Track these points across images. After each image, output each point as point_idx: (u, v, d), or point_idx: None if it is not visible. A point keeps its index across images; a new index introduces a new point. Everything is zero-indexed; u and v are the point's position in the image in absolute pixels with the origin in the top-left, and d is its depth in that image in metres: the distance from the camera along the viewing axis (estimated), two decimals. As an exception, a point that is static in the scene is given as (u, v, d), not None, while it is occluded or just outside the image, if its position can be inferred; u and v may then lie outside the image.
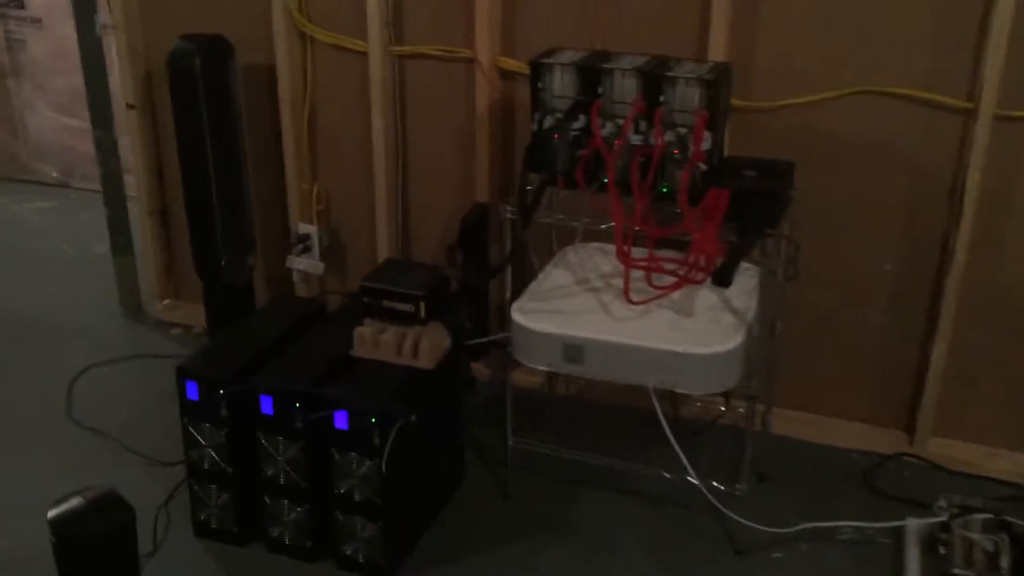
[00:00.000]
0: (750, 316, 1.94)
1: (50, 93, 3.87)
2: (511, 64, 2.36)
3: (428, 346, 1.95)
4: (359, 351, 1.98)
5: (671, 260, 1.92)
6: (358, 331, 1.98)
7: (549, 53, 2.00)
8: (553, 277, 2.14)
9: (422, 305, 1.95)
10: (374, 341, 1.97)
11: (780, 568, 2.00)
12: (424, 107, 2.51)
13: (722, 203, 1.82)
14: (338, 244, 2.72)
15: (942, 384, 2.25)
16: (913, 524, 2.01)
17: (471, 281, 2.17)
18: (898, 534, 2.04)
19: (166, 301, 2.97)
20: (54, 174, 3.98)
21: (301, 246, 2.66)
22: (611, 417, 2.41)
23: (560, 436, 2.26)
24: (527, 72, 1.99)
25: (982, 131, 2.03)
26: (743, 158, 1.97)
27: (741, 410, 2.14)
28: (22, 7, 3.77)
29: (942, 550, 1.87)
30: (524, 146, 2.03)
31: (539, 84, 1.96)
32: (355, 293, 2.06)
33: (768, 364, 2.10)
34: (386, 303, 1.97)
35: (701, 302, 2.00)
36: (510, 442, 2.15)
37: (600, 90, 1.92)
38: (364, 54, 2.46)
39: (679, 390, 1.87)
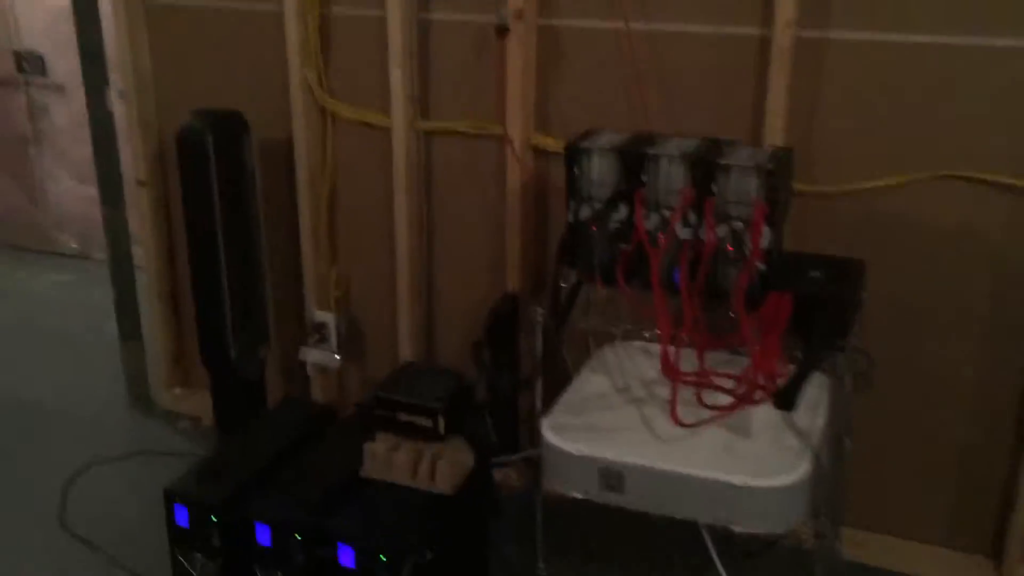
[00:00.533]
0: (816, 438, 1.68)
1: (71, 162, 3.75)
2: (546, 142, 2.15)
3: (447, 468, 1.72)
4: (370, 471, 1.76)
5: (725, 375, 1.68)
6: (369, 448, 1.76)
7: (587, 135, 1.79)
8: (590, 383, 1.90)
9: (441, 420, 1.73)
10: (387, 461, 1.74)
11: None
12: (451, 188, 2.31)
13: (784, 310, 1.58)
14: (357, 334, 2.52)
15: (1037, 506, 1.97)
16: None
17: (498, 388, 1.94)
18: None
19: (176, 390, 2.77)
20: (73, 244, 3.85)
21: (317, 336, 2.45)
22: (658, 530, 2.14)
23: (599, 555, 2.00)
24: (559, 150, 1.78)
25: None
26: (806, 255, 1.73)
27: (804, 536, 1.88)
28: (44, 74, 3.66)
29: None
30: (559, 233, 1.81)
31: (575, 170, 1.74)
32: (367, 402, 1.84)
33: (836, 488, 1.83)
34: (402, 416, 1.75)
35: (759, 418, 1.74)
36: (542, 572, 1.90)
37: (644, 178, 1.70)
38: (388, 130, 2.27)
39: (736, 528, 1.61)
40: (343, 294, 2.49)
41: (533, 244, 2.24)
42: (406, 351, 2.39)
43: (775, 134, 1.91)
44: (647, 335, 1.79)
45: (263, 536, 1.69)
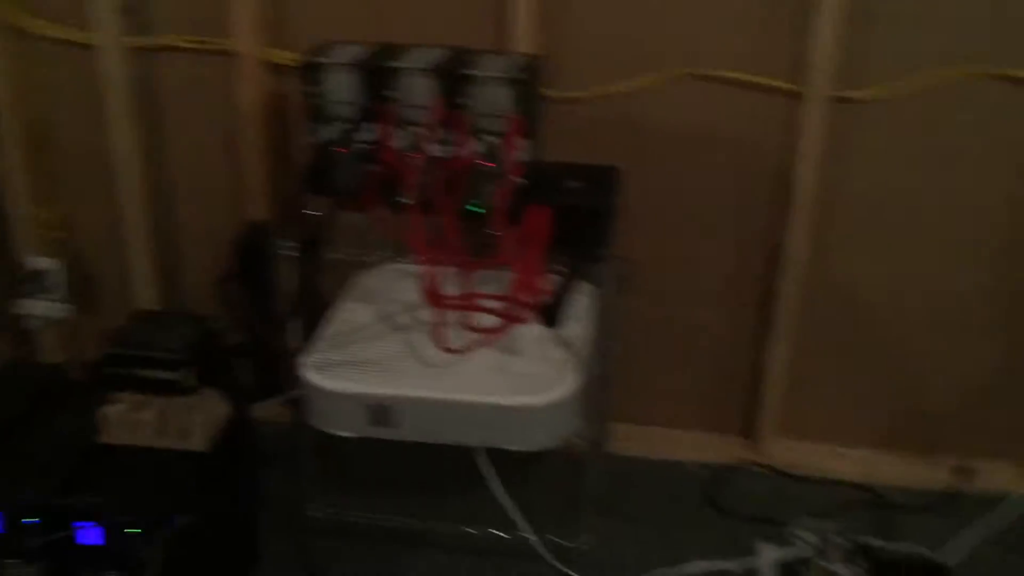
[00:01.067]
0: (584, 348, 1.68)
1: None
2: (282, 56, 1.97)
3: (199, 422, 1.57)
4: (111, 436, 1.58)
5: (490, 296, 1.62)
6: (106, 412, 1.57)
7: (323, 48, 1.64)
8: (350, 314, 1.79)
9: (186, 371, 1.57)
10: (128, 423, 1.57)
11: (633, 621, 1.79)
12: (180, 112, 2.08)
13: (544, 224, 1.54)
14: (88, 280, 2.25)
15: (782, 385, 2.10)
16: (768, 556, 1.84)
17: (252, 329, 1.79)
18: (753, 566, 1.86)
19: None
20: None
21: (34, 284, 2.17)
22: (435, 453, 2.10)
23: (375, 488, 1.94)
24: (297, 65, 1.63)
25: (812, 115, 1.84)
26: (562, 165, 1.69)
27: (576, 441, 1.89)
28: None
29: (805, 586, 1.70)
30: (298, 151, 1.66)
31: (314, 88, 1.59)
32: (99, 360, 1.64)
33: (605, 391, 1.84)
34: (141, 372, 1.58)
35: (528, 335, 1.71)
36: (309, 513, 1.81)
37: (390, 93, 1.58)
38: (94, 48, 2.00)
39: (511, 448, 1.59)
40: (65, 236, 2.22)
41: (279, 169, 2.07)
42: (145, 296, 2.17)
43: (522, 40, 1.84)
44: (406, 260, 1.70)
45: (-10, 524, 1.48)
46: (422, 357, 1.67)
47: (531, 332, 1.70)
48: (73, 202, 2.20)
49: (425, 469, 2.01)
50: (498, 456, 1.62)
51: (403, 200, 1.59)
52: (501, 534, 1.76)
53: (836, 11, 1.76)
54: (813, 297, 2.02)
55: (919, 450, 2.15)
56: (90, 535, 1.46)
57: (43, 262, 2.17)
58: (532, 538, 1.69)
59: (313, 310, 1.82)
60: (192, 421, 1.56)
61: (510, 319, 1.55)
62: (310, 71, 1.59)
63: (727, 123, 1.93)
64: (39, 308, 2.18)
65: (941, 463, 2.13)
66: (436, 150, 1.59)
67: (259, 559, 1.88)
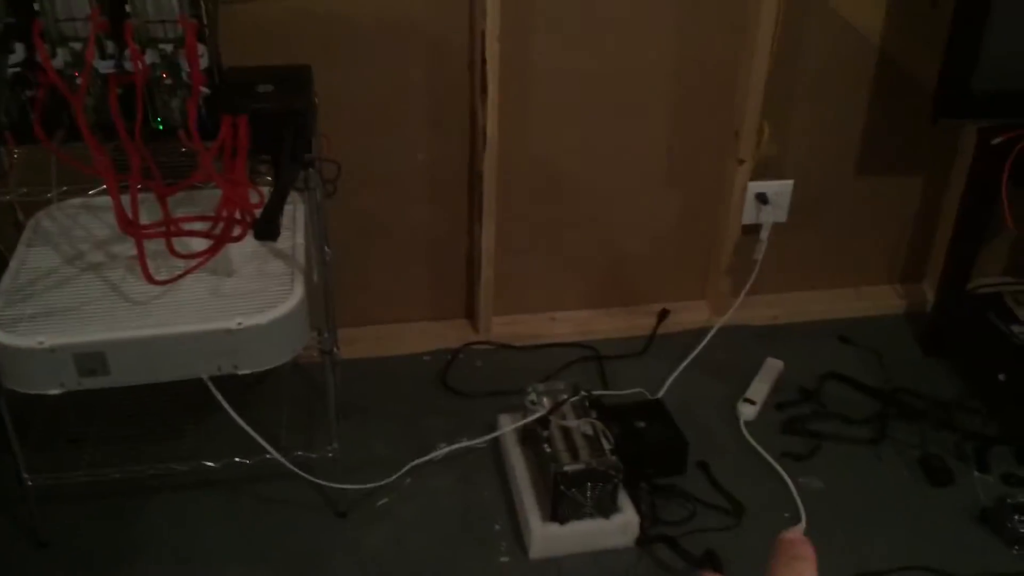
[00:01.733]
0: (300, 257, 1.62)
1: None
2: None
3: None
4: None
5: (194, 218, 1.51)
6: None
7: (-59, -41, 1.40)
8: (32, 261, 1.61)
9: None
10: None
11: (390, 515, 1.81)
12: None
13: (242, 134, 1.45)
14: None
15: (495, 265, 2.17)
16: (508, 425, 1.92)
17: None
18: (496, 438, 1.94)
19: None
20: None
21: None
22: (159, 390, 1.97)
23: (97, 442, 1.80)
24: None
25: (491, -4, 1.86)
26: (247, 69, 1.59)
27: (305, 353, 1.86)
28: None
29: (545, 447, 1.79)
30: None
31: (-61, 7, 1.37)
32: None
33: (327, 298, 1.81)
34: None
35: (238, 253, 1.63)
36: (29, 483, 1.65)
37: (36, 6, 1.39)
38: None
39: (242, 371, 1.52)
40: None
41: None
42: None
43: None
44: (90, 192, 1.54)
45: None
46: (126, 295, 1.54)
47: (241, 249, 1.62)
48: None
49: (147, 410, 1.89)
50: (222, 381, 1.54)
51: (75, 125, 1.42)
52: (245, 460, 1.70)
53: None
54: (512, 176, 2.09)
55: (624, 302, 2.33)
56: None
57: None
58: (277, 456, 1.65)
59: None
60: None
61: (222, 239, 1.46)
62: (-70, -13, 1.35)
63: (412, 9, 1.89)
64: None
65: (644, 311, 2.32)
66: (103, 66, 1.43)
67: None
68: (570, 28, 1.97)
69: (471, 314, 2.27)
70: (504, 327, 2.27)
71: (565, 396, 1.86)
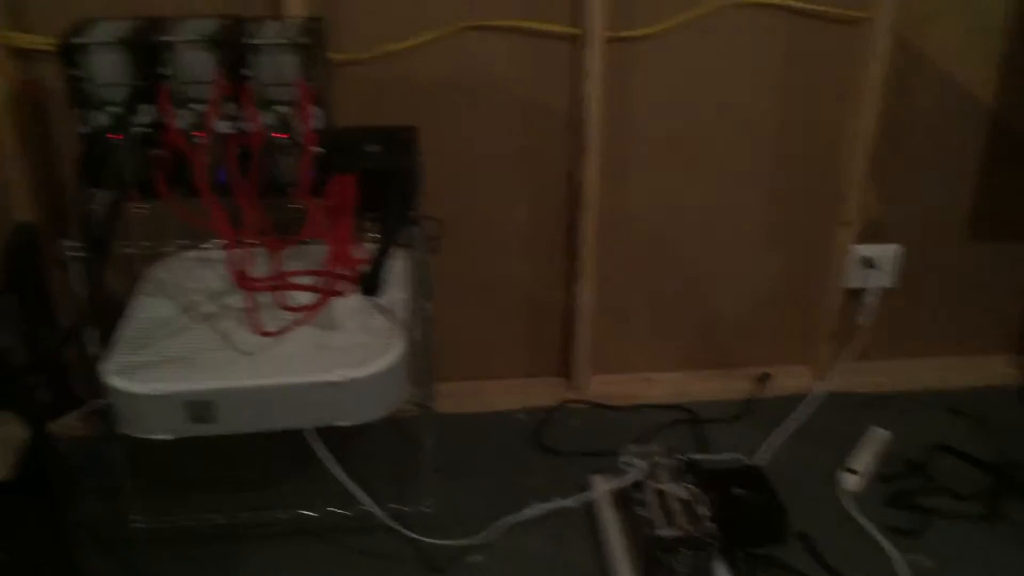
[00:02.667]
0: (402, 313, 1.65)
1: None
2: (28, 40, 1.79)
3: (-2, 450, 1.43)
4: None
5: (301, 272, 1.56)
6: None
7: (82, 28, 1.50)
8: (149, 311, 1.68)
9: (-24, 396, 1.42)
10: (-87, 462, 1.40)
11: (482, 573, 1.80)
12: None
13: (349, 192, 1.50)
14: None
15: (590, 322, 2.17)
16: (602, 487, 1.90)
17: (39, 342, 1.64)
18: (590, 499, 1.92)
19: None
20: None
21: None
22: (256, 440, 2.02)
23: (199, 487, 1.85)
24: (51, 48, 1.48)
25: (594, 56, 1.88)
26: (357, 129, 1.64)
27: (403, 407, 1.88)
28: None
29: (640, 510, 1.77)
30: (66, 142, 1.53)
31: (77, 72, 1.46)
32: None
33: (426, 353, 1.83)
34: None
35: (342, 307, 1.67)
36: (136, 525, 1.70)
37: (164, 71, 1.47)
38: None
39: (343, 424, 1.55)
40: None
41: (42, 163, 1.89)
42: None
43: (295, 4, 1.76)
44: (205, 246, 1.61)
45: None
46: (235, 344, 1.59)
47: (346, 304, 1.66)
48: None
49: (248, 458, 1.93)
50: (321, 432, 1.57)
51: (195, 183, 1.49)
52: (343, 511, 1.72)
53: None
54: (610, 233, 2.09)
55: (722, 364, 2.29)
56: None
57: None
58: (375, 510, 1.66)
59: (108, 313, 1.69)
60: (-13, 450, 1.42)
61: (327, 293, 1.50)
62: (70, 53, 1.45)
63: (512, 72, 1.94)
64: None
65: (742, 374, 2.28)
66: (223, 127, 1.50)
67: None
68: (672, 88, 1.98)
69: (566, 372, 2.27)
70: (600, 386, 2.26)
71: (661, 459, 1.83)
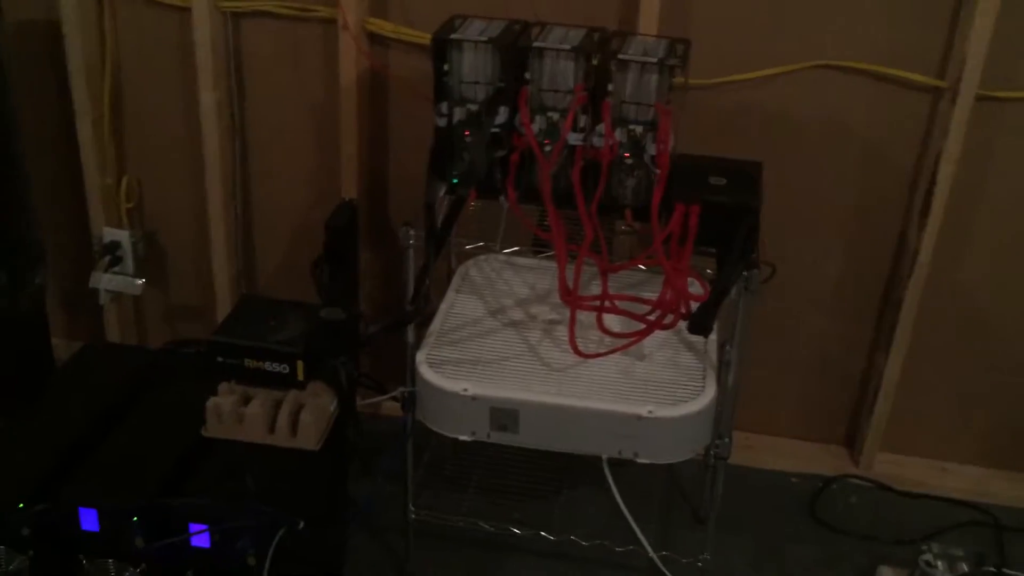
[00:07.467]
0: (714, 354, 1.57)
1: None
2: (382, 27, 1.84)
3: (311, 419, 1.46)
4: (215, 430, 1.47)
5: (629, 298, 1.50)
6: (213, 404, 1.46)
7: (452, 24, 1.51)
8: (459, 307, 1.68)
9: (300, 364, 1.46)
10: (235, 417, 1.46)
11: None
12: (268, 80, 1.96)
13: (693, 223, 1.43)
14: (159, 253, 2.15)
15: (892, 395, 1.99)
16: (889, 577, 1.74)
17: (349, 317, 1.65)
18: (871, 587, 1.77)
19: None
20: None
21: (109, 257, 2.06)
22: (540, 456, 1.99)
23: (474, 489, 1.84)
24: (406, 39, 1.51)
25: (960, 114, 1.72)
26: (700, 158, 1.56)
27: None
28: None
29: (934, 614, 1.60)
30: (398, 133, 1.59)
31: (445, 66, 1.47)
32: (204, 347, 1.53)
33: (734, 396, 1.73)
34: (249, 363, 1.47)
35: (652, 337, 1.59)
36: (412, 516, 1.71)
37: (527, 75, 1.46)
38: (185, 10, 1.88)
39: (642, 460, 1.48)
40: (134, 206, 2.10)
41: (370, 145, 1.95)
42: (221, 273, 2.06)
43: (649, 22, 1.72)
44: (536, 253, 1.59)
45: (89, 521, 1.38)
46: (543, 358, 1.56)
47: (657, 335, 1.59)
48: (141, 171, 2.09)
49: (522, 472, 1.91)
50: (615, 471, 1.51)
51: (537, 189, 1.47)
52: (612, 546, 1.66)
53: (993, 4, 1.64)
54: (932, 303, 1.91)
55: (1033, 469, 2.05)
56: (198, 538, 1.36)
57: (117, 233, 2.06)
58: (651, 554, 1.59)
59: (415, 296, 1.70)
60: (304, 418, 1.45)
61: (655, 325, 1.44)
62: (442, 47, 1.46)
63: (859, 117, 1.81)
64: (112, 283, 2.06)
65: (1056, 483, 2.03)
66: (573, 138, 1.47)
67: (345, 559, 1.78)
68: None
69: (851, 443, 2.10)
70: (886, 466, 2.07)
71: (967, 567, 1.64)
